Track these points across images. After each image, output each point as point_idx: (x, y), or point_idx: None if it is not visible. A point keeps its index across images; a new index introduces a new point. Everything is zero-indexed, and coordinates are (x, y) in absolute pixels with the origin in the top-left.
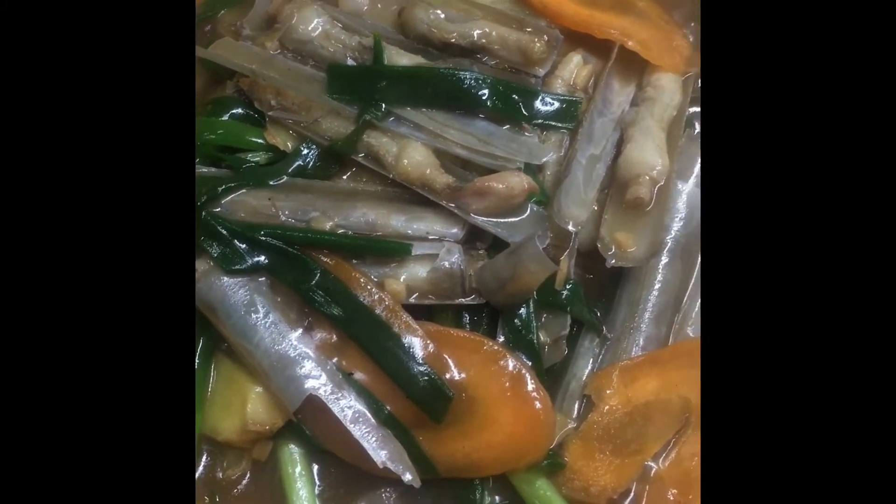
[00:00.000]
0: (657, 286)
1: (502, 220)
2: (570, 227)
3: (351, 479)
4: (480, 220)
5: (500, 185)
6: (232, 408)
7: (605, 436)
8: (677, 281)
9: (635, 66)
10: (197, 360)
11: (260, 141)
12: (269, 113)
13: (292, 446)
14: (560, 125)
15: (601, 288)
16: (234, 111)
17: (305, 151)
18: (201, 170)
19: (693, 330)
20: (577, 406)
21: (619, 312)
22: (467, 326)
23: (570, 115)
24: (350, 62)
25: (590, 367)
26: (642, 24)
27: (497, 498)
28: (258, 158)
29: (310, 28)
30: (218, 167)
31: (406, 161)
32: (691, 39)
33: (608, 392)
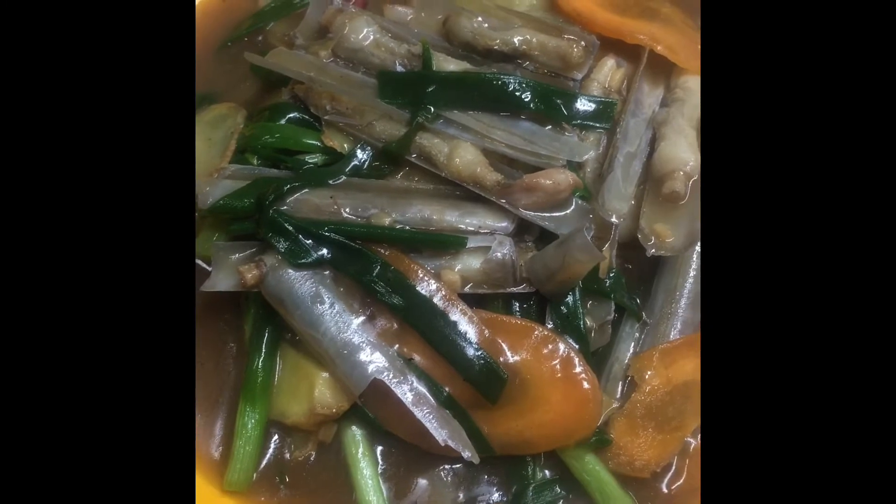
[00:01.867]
0: (692, 274)
1: (549, 215)
2: (613, 220)
3: (411, 458)
4: (529, 214)
5: (548, 181)
6: (299, 393)
7: (648, 414)
8: None
9: (663, 69)
10: (263, 350)
11: (317, 143)
12: (325, 117)
13: (355, 428)
14: (598, 125)
15: (640, 277)
16: (290, 115)
17: (361, 153)
18: (265, 171)
19: None
20: (620, 387)
21: (658, 299)
22: (518, 314)
23: (607, 115)
24: (399, 69)
25: (631, 351)
26: (669, 29)
27: (547, 472)
28: (315, 160)
29: (360, 37)
30: (278, 168)
31: (458, 160)
32: None
33: (649, 373)
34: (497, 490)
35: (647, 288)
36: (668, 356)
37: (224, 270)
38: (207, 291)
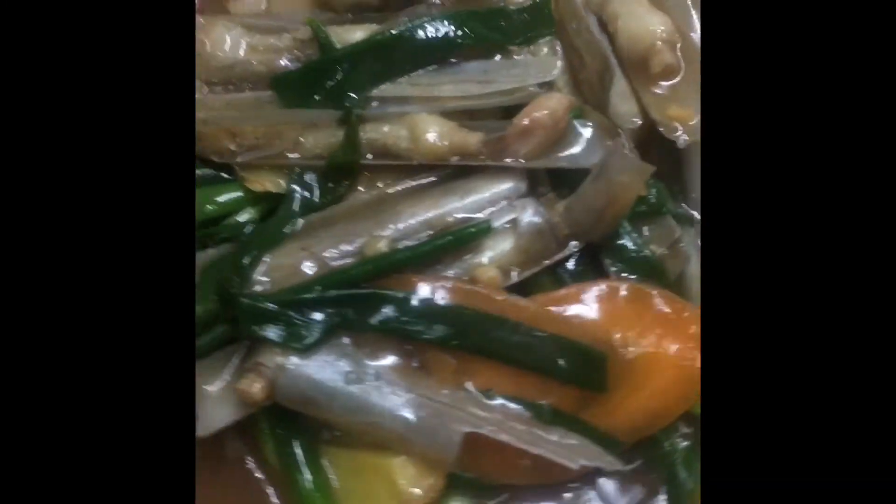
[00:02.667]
0: None
1: (563, 154)
2: (634, 122)
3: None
4: (538, 163)
5: (542, 113)
6: (379, 497)
7: None
8: None
9: None
10: (305, 468)
11: (239, 195)
12: (237, 160)
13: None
14: (543, 32)
15: (662, 176)
16: None
17: (303, 182)
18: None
19: None
20: None
21: (696, 191)
22: (572, 280)
23: (547, 17)
24: (291, 66)
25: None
26: None
27: (689, 431)
28: (250, 216)
29: (228, 48)
30: (209, 247)
31: (426, 136)
32: None
33: None
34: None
35: (673, 182)
36: None
37: (214, 400)
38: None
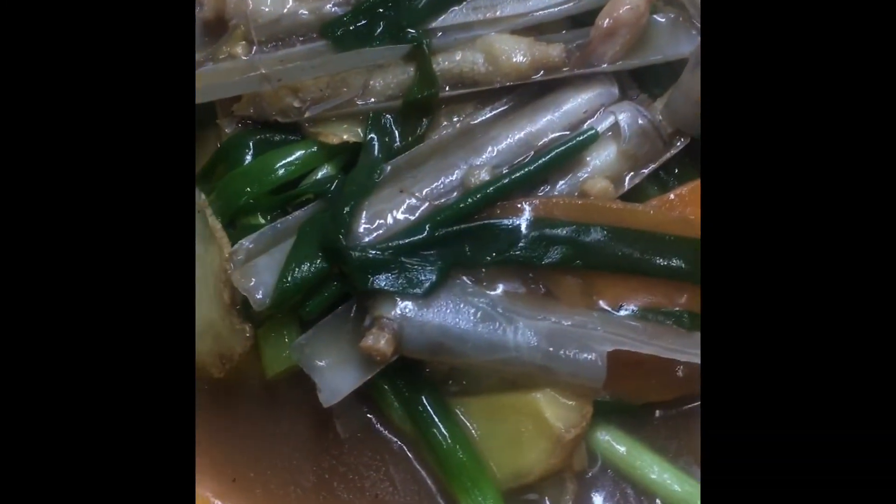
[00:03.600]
0: None
1: (650, 50)
2: None
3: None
4: (629, 63)
5: (625, 8)
6: (525, 435)
7: None
8: None
9: None
10: (442, 422)
11: (313, 150)
12: (305, 116)
13: (603, 434)
14: None
15: None
16: (252, 142)
17: (380, 126)
18: (291, 220)
19: None
20: None
21: None
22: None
23: None
24: (341, 11)
25: None
26: None
27: None
28: (328, 171)
29: (270, 2)
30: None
31: (506, 56)
32: None
33: None
34: None
35: None
36: None
37: (334, 367)
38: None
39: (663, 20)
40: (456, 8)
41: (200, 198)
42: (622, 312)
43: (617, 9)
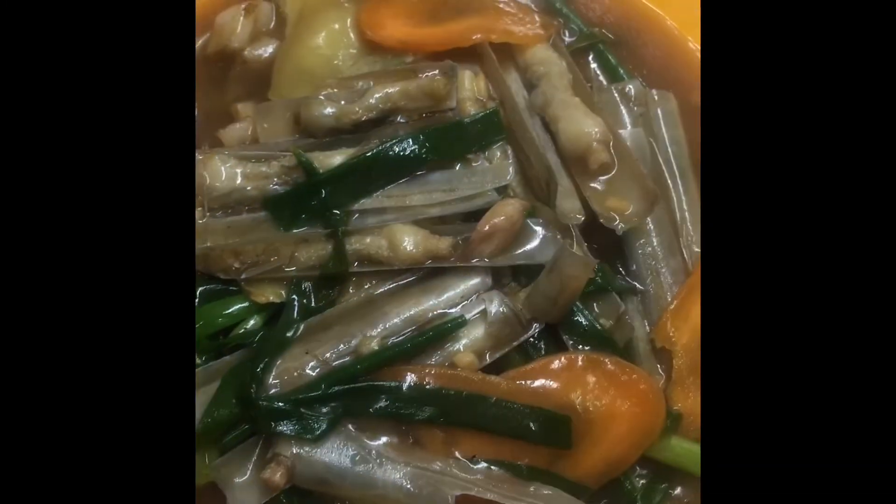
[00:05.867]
0: (651, 224)
1: (520, 251)
2: (578, 218)
3: None
4: (500, 261)
5: (500, 219)
6: None
7: (694, 370)
8: (664, 210)
9: (503, 56)
10: None
11: (246, 305)
12: (242, 276)
13: None
14: (495, 138)
15: (605, 253)
16: (199, 290)
17: (301, 291)
18: (216, 365)
19: (697, 244)
20: (655, 363)
21: (636, 264)
22: (539, 354)
23: (497, 125)
24: (281, 189)
25: (646, 325)
26: (490, 15)
27: (644, 471)
28: (255, 323)
29: (225, 178)
30: (224, 355)
31: (403, 246)
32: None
33: (672, 336)
34: None
35: (615, 258)
36: (680, 311)
37: (242, 488)
38: None
39: (537, 226)
40: (374, 194)
41: None
42: (475, 464)
43: (495, 216)
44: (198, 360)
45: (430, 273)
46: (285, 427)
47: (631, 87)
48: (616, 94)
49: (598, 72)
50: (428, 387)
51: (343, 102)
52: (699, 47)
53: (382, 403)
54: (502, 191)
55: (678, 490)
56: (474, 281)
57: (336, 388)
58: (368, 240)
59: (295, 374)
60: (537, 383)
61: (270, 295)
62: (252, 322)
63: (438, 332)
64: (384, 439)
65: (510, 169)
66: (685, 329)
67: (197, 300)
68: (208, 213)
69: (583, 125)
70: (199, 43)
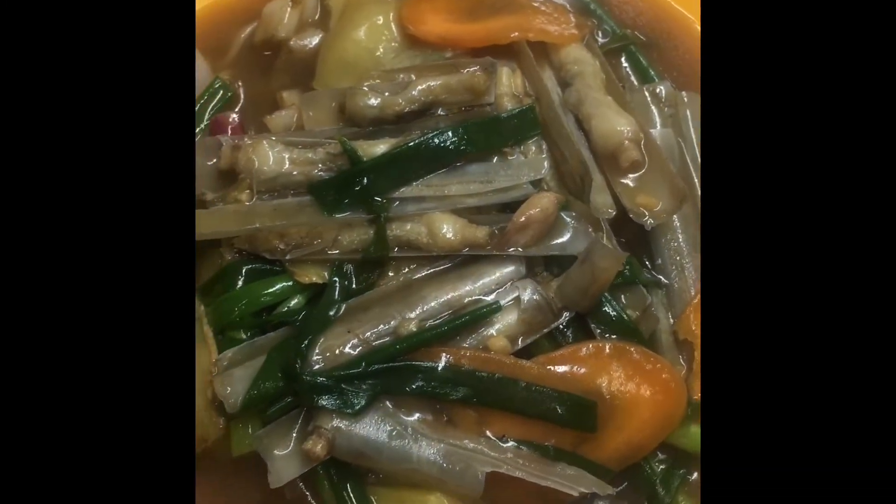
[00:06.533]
0: (678, 221)
1: (554, 242)
2: (610, 213)
3: None
4: (534, 251)
5: (535, 211)
6: None
7: None
8: (691, 207)
9: (539, 54)
10: None
11: (289, 284)
12: (287, 257)
13: None
14: (531, 134)
15: (633, 247)
16: (246, 270)
17: (342, 274)
18: (263, 340)
19: None
20: (678, 354)
21: (662, 258)
22: (568, 341)
23: (533, 121)
24: (325, 175)
25: (669, 318)
26: (527, 13)
27: (664, 457)
28: (298, 302)
29: (273, 163)
30: (269, 331)
31: (442, 233)
32: (567, 5)
33: (695, 329)
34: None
35: (643, 253)
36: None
37: (283, 458)
38: None
39: (570, 219)
40: (414, 183)
41: (200, 308)
42: (504, 443)
43: (531, 208)
44: (243, 336)
45: (466, 260)
46: (327, 401)
47: (661, 88)
48: (647, 95)
49: (630, 72)
50: (462, 368)
51: (387, 94)
52: None
53: (419, 382)
54: (537, 184)
55: (695, 476)
56: (509, 269)
57: (375, 367)
58: (409, 226)
59: (337, 351)
60: (566, 369)
61: (313, 276)
62: (294, 301)
63: (474, 317)
64: (419, 416)
65: (545, 163)
66: None
67: (242, 279)
68: (256, 196)
69: (615, 123)
70: (246, 32)
